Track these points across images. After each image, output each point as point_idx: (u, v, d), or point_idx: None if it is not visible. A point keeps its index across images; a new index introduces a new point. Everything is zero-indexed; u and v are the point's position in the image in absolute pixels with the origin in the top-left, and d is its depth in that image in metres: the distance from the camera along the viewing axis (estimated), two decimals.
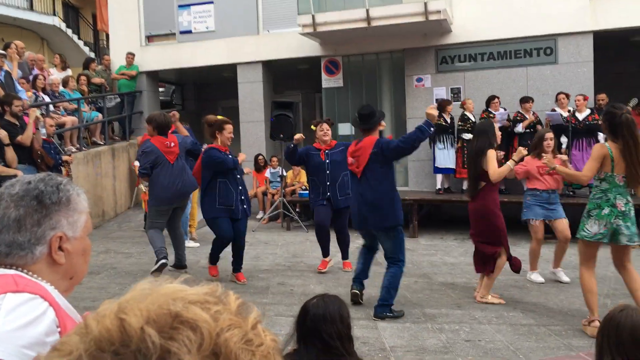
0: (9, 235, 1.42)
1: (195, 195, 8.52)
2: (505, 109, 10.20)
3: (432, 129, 5.31)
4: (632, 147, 4.62)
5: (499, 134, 5.89)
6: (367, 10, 10.02)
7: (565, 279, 6.60)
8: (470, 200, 5.83)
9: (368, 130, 5.51)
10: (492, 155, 5.57)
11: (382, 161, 5.34)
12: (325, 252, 7.20)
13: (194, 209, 9.00)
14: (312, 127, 7.26)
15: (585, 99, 9.64)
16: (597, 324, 4.73)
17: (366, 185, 5.40)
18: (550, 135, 6.63)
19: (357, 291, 5.72)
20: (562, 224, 6.54)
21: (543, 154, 6.16)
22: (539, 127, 9.71)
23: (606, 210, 4.76)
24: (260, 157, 11.84)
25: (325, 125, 7.05)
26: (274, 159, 11.65)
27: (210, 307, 0.61)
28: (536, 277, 6.72)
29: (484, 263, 5.77)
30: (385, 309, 5.33)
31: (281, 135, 10.05)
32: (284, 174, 11.09)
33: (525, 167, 6.57)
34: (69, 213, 1.47)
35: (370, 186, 5.39)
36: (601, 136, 9.47)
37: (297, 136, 7.16)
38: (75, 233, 1.48)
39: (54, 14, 16.69)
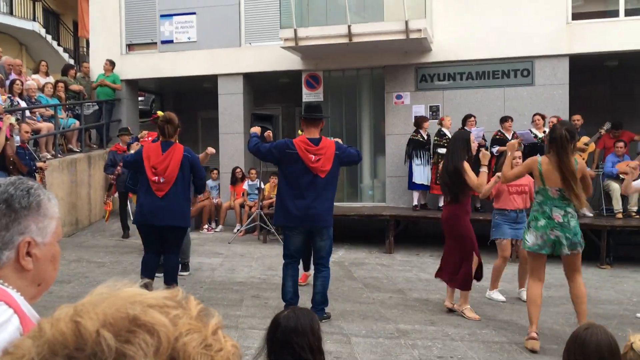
0: None
1: None
2: (478, 128, 10.32)
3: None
4: (563, 162, 4.82)
5: (474, 144, 6.02)
6: (349, 27, 10.11)
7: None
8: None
9: (313, 122, 5.64)
10: (465, 165, 5.72)
11: (340, 164, 5.71)
12: (306, 266, 7.15)
13: None
14: (299, 132, 7.20)
15: (559, 120, 9.79)
16: (533, 335, 4.94)
17: (326, 184, 5.57)
18: (518, 153, 6.65)
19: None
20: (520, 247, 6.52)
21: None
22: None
23: (542, 222, 4.97)
24: (238, 169, 11.81)
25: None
26: (252, 171, 11.62)
27: (170, 311, 0.61)
28: (497, 295, 6.72)
29: (455, 274, 5.92)
30: (323, 312, 5.59)
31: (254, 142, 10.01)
32: (262, 186, 11.07)
33: (497, 188, 6.58)
34: (38, 218, 1.45)
35: (329, 185, 5.62)
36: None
37: (266, 134, 6.65)
38: (44, 239, 1.46)
39: (34, 20, 16.53)
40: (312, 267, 7.10)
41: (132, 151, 6.78)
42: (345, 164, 5.95)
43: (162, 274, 6.03)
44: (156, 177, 5.68)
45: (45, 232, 1.47)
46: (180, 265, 7.11)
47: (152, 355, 0.56)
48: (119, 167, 9.71)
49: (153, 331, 0.57)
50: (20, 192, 1.44)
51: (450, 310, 6.04)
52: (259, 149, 5.69)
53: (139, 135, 8.24)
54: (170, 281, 5.87)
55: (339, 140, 5.98)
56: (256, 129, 6.00)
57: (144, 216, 5.77)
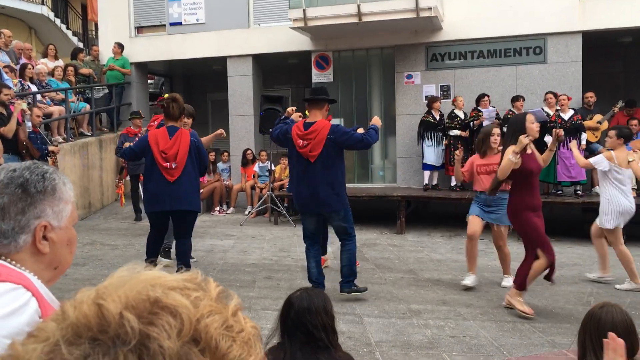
0: None
1: None
2: (493, 107, 10.25)
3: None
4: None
5: (533, 126, 5.34)
6: (359, 6, 10.01)
7: (506, 284, 6.22)
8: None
9: (316, 104, 5.62)
10: (507, 151, 5.23)
11: (337, 148, 5.52)
12: (323, 250, 7.09)
13: None
14: (306, 112, 7.16)
15: (569, 98, 9.70)
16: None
17: (322, 169, 5.49)
18: (497, 131, 6.33)
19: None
20: (495, 232, 6.27)
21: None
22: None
23: None
24: (249, 151, 11.82)
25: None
26: (263, 153, 11.62)
27: (190, 294, 0.61)
28: (466, 280, 6.23)
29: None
30: (351, 284, 5.64)
31: (270, 130, 10.00)
32: (273, 168, 11.08)
33: (468, 169, 6.37)
34: (54, 202, 1.46)
35: (326, 171, 5.49)
36: (584, 136, 9.56)
37: (290, 109, 6.45)
38: (60, 222, 1.47)
39: (43, 3, 16.51)
40: (328, 249, 7.15)
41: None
42: (347, 148, 5.70)
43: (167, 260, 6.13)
44: (167, 163, 5.67)
45: (61, 215, 1.48)
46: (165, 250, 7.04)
47: (175, 337, 0.56)
48: None
49: (175, 313, 0.58)
50: (35, 177, 1.44)
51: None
52: (271, 135, 5.87)
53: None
54: (184, 264, 5.91)
55: (340, 123, 5.93)
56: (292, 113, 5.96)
57: (157, 203, 5.76)
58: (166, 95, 6.11)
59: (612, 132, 6.45)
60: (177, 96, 5.90)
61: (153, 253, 5.91)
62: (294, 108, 6.32)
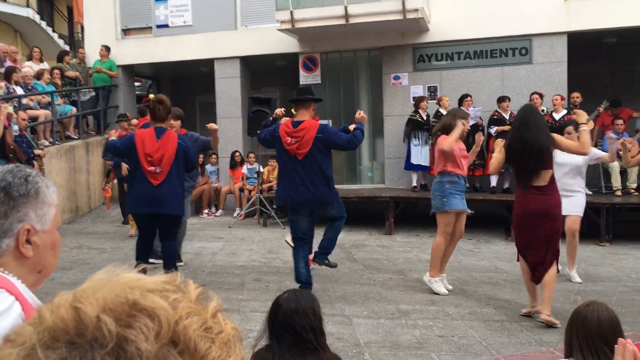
0: None
1: None
2: (476, 107, 10.28)
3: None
4: None
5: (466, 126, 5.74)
6: (346, 7, 10.03)
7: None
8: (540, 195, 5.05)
9: (303, 103, 5.73)
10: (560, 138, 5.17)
11: (325, 147, 5.62)
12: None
13: None
14: (292, 110, 7.20)
15: (562, 99, 9.79)
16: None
17: (311, 167, 5.56)
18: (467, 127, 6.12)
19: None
20: (464, 218, 6.09)
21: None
22: (509, 127, 9.83)
23: None
24: (237, 153, 11.80)
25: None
26: (251, 155, 11.61)
27: (169, 295, 0.61)
28: (438, 286, 5.97)
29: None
30: (325, 257, 5.87)
31: (258, 132, 9.99)
32: (261, 170, 11.07)
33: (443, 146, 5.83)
34: (37, 205, 1.45)
35: (314, 168, 5.57)
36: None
37: (278, 110, 6.59)
38: (43, 226, 1.46)
39: (28, 6, 16.39)
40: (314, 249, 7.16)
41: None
42: (335, 147, 5.81)
43: (159, 261, 6.11)
44: (152, 167, 5.58)
45: (45, 219, 1.47)
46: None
47: (153, 339, 0.56)
48: None
49: (153, 315, 0.57)
50: (18, 180, 1.44)
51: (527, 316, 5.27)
52: (259, 137, 5.91)
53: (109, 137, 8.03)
54: (170, 268, 5.89)
55: (328, 124, 5.97)
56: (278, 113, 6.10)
57: (138, 205, 5.71)
58: (151, 96, 6.06)
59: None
60: (163, 97, 5.85)
61: (144, 257, 5.83)
62: (283, 110, 6.36)
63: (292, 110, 6.97)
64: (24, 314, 1.34)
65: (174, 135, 5.77)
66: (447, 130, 5.89)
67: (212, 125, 6.83)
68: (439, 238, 5.96)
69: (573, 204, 6.31)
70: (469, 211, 6.09)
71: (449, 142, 5.70)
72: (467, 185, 6.19)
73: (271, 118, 6.25)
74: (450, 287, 6.12)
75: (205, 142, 7.02)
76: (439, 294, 5.89)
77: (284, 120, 5.94)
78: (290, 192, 5.66)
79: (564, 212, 5.50)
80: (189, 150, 5.86)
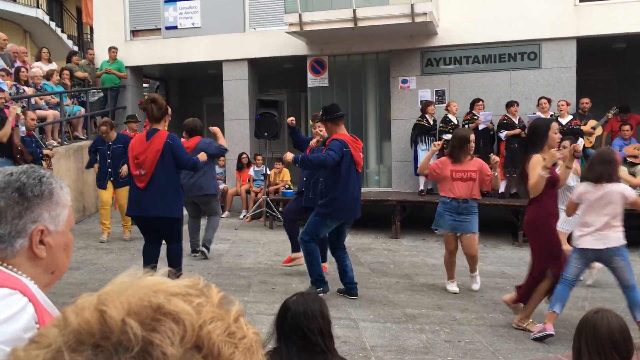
0: None
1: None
2: (485, 112, 10.27)
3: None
4: None
5: (555, 136, 5.11)
6: (354, 11, 10.03)
7: (475, 287, 6.39)
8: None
9: (340, 119, 5.94)
10: (533, 161, 4.90)
11: None
12: (295, 247, 7.04)
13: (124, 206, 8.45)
14: (310, 121, 7.35)
15: (568, 104, 9.76)
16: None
17: (358, 179, 6.01)
18: (473, 137, 6.17)
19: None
20: (468, 240, 6.10)
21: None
22: (519, 131, 9.82)
23: None
24: (244, 155, 11.81)
25: (318, 124, 6.92)
26: (258, 157, 11.62)
27: (193, 300, 0.61)
28: (451, 287, 6.29)
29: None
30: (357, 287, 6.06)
31: (266, 134, 10.05)
32: (268, 172, 11.07)
33: (440, 169, 6.07)
34: (51, 206, 1.45)
35: (359, 180, 6.06)
36: (580, 141, 9.60)
37: (289, 119, 6.95)
38: (57, 227, 1.47)
39: (38, 6, 16.48)
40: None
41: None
42: None
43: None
44: (137, 171, 5.51)
45: (58, 220, 1.47)
46: (206, 249, 7.75)
47: (178, 344, 0.56)
48: None
49: (178, 319, 0.57)
50: (32, 181, 1.44)
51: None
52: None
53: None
54: (176, 270, 5.85)
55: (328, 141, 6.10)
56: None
57: (132, 207, 5.71)
58: (145, 97, 6.04)
59: (567, 142, 6.48)
60: (156, 97, 5.76)
61: (148, 262, 5.73)
62: (293, 119, 6.81)
63: (310, 121, 7.17)
64: (37, 315, 1.35)
65: (161, 135, 5.53)
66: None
67: (213, 129, 7.09)
68: (444, 253, 6.38)
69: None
70: (457, 232, 6.12)
71: (421, 166, 6.32)
72: (466, 205, 6.00)
73: (289, 129, 6.85)
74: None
75: (219, 148, 7.25)
76: (450, 291, 6.24)
77: (319, 131, 6.59)
78: (352, 201, 5.86)
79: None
80: (178, 149, 5.59)
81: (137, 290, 0.61)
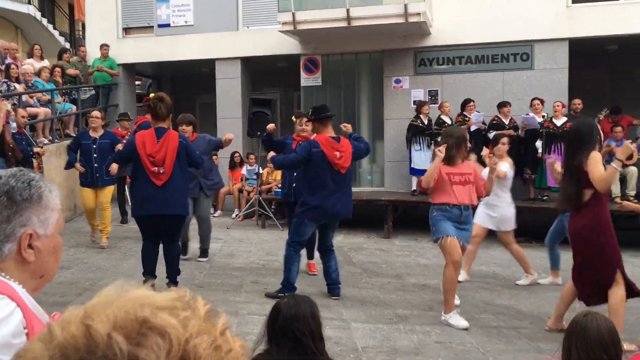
0: None
1: (110, 194, 8.43)
2: (479, 112, 10.29)
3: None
4: None
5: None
6: (348, 10, 10.03)
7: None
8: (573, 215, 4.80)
9: (328, 120, 5.95)
10: (593, 157, 4.56)
11: (354, 160, 6.14)
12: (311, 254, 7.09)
13: (107, 210, 8.28)
14: (293, 118, 7.31)
15: (564, 106, 9.80)
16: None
17: (346, 179, 5.93)
18: (467, 136, 5.79)
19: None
20: (470, 253, 6.11)
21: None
22: (511, 131, 9.86)
23: None
24: (237, 154, 11.79)
25: (304, 120, 6.96)
26: (251, 156, 11.60)
27: (179, 313, 0.60)
28: (459, 321, 5.19)
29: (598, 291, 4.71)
30: (339, 288, 6.02)
31: (258, 133, 9.99)
32: (260, 171, 11.06)
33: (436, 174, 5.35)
34: (40, 210, 1.44)
35: (348, 181, 5.99)
36: None
37: (270, 126, 6.91)
38: (46, 231, 1.46)
39: (29, 3, 16.37)
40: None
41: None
42: (358, 158, 6.61)
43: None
44: (155, 168, 5.54)
45: (47, 224, 1.46)
46: (201, 251, 7.66)
47: (164, 358, 0.56)
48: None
49: (164, 333, 0.57)
50: (21, 184, 1.43)
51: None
52: (283, 161, 6.00)
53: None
54: (173, 271, 5.87)
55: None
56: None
57: (144, 207, 5.64)
58: (152, 95, 6.03)
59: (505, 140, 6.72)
60: (163, 95, 5.81)
61: (151, 269, 5.78)
62: (273, 126, 6.93)
63: (293, 117, 7.16)
64: (25, 320, 1.34)
65: (174, 135, 5.72)
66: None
67: (228, 135, 6.93)
68: (447, 270, 5.26)
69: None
70: (466, 245, 5.46)
71: (427, 178, 5.30)
72: (467, 212, 5.36)
73: (265, 134, 6.77)
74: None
75: (216, 142, 7.19)
76: (460, 328, 5.12)
77: (300, 128, 6.73)
78: (328, 203, 5.76)
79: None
80: (190, 148, 5.81)
81: (124, 303, 0.60)
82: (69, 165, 8.24)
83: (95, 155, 8.03)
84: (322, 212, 5.80)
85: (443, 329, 5.09)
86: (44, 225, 1.46)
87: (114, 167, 7.51)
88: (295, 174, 6.73)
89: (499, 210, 6.70)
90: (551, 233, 6.64)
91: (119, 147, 9.04)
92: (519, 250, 6.78)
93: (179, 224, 5.86)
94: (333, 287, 5.99)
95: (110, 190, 8.42)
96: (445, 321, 5.19)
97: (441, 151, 5.22)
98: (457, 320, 5.17)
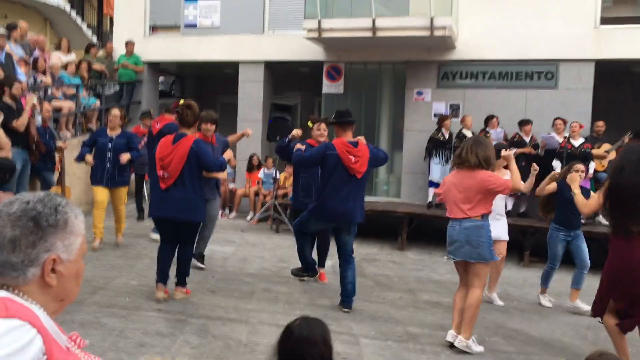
0: (2, 255, 1.41)
1: (124, 195, 8.17)
2: (501, 129, 10.23)
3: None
4: None
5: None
6: (374, 20, 10.03)
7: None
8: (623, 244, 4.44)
9: (348, 125, 5.96)
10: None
11: (371, 166, 6.06)
12: (322, 262, 7.18)
13: (121, 211, 8.23)
14: (309, 123, 7.29)
15: (581, 126, 9.71)
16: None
17: (360, 185, 5.92)
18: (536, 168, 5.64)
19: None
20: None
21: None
22: (530, 149, 9.80)
23: None
24: (255, 157, 11.83)
25: (323, 125, 6.97)
26: (269, 159, 11.64)
27: None
28: (476, 348, 5.07)
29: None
30: (352, 301, 5.99)
31: (278, 138, 10.04)
32: (278, 176, 11.09)
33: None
34: (65, 236, 1.47)
35: (362, 186, 5.98)
36: (592, 164, 9.55)
37: (295, 132, 6.91)
38: (69, 256, 1.48)
39: None
40: (328, 262, 7.26)
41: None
42: (377, 165, 6.54)
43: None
44: (162, 172, 5.69)
45: (71, 249, 1.49)
46: (197, 256, 7.27)
47: None
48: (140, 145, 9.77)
49: None
50: (48, 210, 1.46)
51: None
52: (295, 159, 6.13)
53: None
54: (180, 272, 5.95)
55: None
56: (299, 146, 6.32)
57: (153, 208, 5.84)
58: (182, 101, 6.10)
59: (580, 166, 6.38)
60: (192, 103, 5.89)
61: (162, 272, 5.86)
62: (300, 131, 6.84)
63: (309, 123, 7.15)
64: (45, 346, 1.36)
65: (188, 140, 5.70)
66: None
67: (247, 131, 7.50)
68: (479, 292, 5.12)
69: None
70: (449, 257, 5.35)
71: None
72: (459, 230, 5.14)
73: (287, 139, 6.67)
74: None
75: (225, 142, 7.18)
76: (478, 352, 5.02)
77: (317, 133, 6.84)
78: (335, 205, 5.80)
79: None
80: (203, 153, 5.73)
81: None
82: (80, 157, 7.93)
83: (109, 154, 7.81)
84: (329, 213, 5.87)
85: (453, 350, 5.06)
86: (67, 250, 1.48)
87: (125, 157, 7.65)
88: (305, 181, 6.94)
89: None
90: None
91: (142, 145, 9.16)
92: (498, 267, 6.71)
93: (189, 229, 5.88)
94: (344, 300, 5.97)
95: (123, 192, 8.12)
96: (466, 346, 4.98)
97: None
98: (476, 345, 5.07)
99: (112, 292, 6.05)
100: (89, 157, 7.83)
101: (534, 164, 5.78)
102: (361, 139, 5.98)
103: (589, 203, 4.89)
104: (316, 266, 6.79)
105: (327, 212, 5.86)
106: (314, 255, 6.79)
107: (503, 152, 5.48)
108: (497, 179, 5.05)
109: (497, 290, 6.85)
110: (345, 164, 5.75)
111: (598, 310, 4.69)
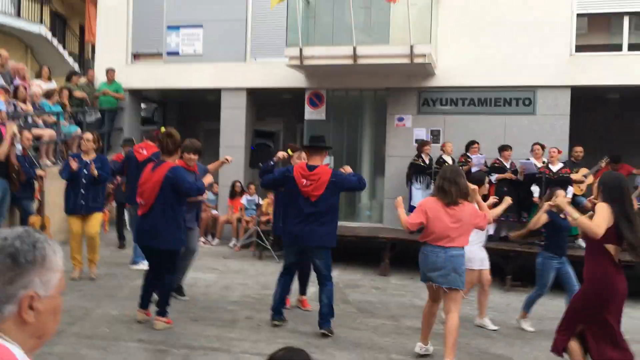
0: None
1: (98, 222, 7.93)
2: (482, 155, 10.37)
3: None
4: None
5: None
6: (354, 48, 10.18)
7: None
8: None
9: (316, 150, 6.05)
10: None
11: (335, 190, 5.96)
12: (304, 290, 7.17)
13: (94, 239, 7.89)
14: (289, 151, 7.32)
15: (559, 152, 9.87)
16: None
17: (322, 208, 5.88)
18: (487, 179, 6.15)
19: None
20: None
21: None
22: (510, 175, 9.93)
23: None
24: (237, 183, 11.83)
25: (303, 154, 6.88)
26: (252, 186, 11.64)
27: None
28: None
29: None
30: (330, 323, 5.99)
31: (260, 164, 10.06)
32: (260, 202, 11.08)
33: (423, 214, 5.22)
34: (42, 272, 1.46)
35: (326, 210, 5.90)
36: (570, 189, 9.69)
37: (280, 154, 6.97)
38: (47, 292, 1.47)
39: (41, 23, 16.58)
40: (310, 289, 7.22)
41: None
42: (347, 189, 6.33)
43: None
44: (139, 198, 5.79)
45: (49, 285, 1.48)
46: (176, 289, 7.02)
47: None
48: (118, 177, 9.73)
49: None
50: (26, 247, 1.45)
51: None
52: (263, 180, 6.37)
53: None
54: (162, 302, 5.89)
55: (330, 162, 6.23)
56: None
57: (137, 235, 5.98)
58: (162, 130, 6.12)
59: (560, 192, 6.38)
60: (172, 132, 5.92)
61: (143, 298, 5.91)
62: (285, 154, 6.88)
63: (289, 151, 7.22)
64: None
65: (164, 167, 5.67)
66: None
67: (227, 158, 7.58)
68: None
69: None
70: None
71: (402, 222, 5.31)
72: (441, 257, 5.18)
73: (272, 162, 6.63)
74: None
75: (205, 170, 7.14)
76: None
77: (297, 161, 6.57)
78: (293, 228, 5.91)
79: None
80: (180, 179, 5.65)
81: None
82: (65, 169, 7.76)
83: (84, 180, 7.62)
84: (288, 234, 6.01)
85: None
86: (45, 286, 1.47)
87: (93, 167, 7.57)
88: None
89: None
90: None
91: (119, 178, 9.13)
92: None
93: (166, 257, 5.80)
94: (321, 322, 5.97)
95: (97, 219, 7.87)
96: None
97: (398, 204, 5.71)
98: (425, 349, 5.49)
99: (91, 322, 5.97)
100: (73, 162, 7.62)
101: (507, 198, 6.02)
102: (323, 166, 6.03)
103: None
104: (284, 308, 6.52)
105: (286, 233, 6.06)
106: (295, 284, 6.77)
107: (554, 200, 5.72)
108: (482, 217, 5.37)
109: (487, 315, 6.89)
110: (298, 187, 5.88)
111: (563, 340, 4.68)
